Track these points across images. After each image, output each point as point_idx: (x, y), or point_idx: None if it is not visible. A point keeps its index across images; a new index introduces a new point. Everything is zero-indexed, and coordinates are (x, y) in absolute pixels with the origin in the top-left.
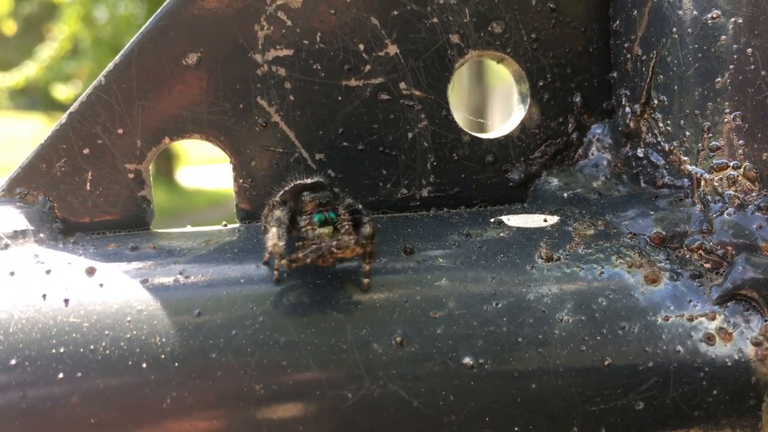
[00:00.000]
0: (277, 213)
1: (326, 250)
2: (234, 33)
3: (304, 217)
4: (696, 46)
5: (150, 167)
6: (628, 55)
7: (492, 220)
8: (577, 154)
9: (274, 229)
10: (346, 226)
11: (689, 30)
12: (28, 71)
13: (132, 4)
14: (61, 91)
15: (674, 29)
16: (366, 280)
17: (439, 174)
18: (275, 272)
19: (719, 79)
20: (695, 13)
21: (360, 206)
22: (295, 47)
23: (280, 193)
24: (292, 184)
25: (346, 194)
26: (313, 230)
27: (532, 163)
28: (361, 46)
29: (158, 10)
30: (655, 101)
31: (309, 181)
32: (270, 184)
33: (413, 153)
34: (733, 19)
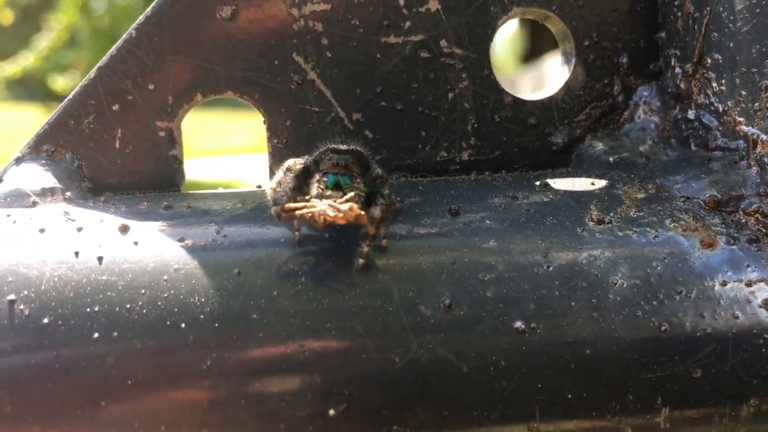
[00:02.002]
0: (290, 162)
1: (318, 212)
2: None
3: (318, 174)
4: (753, 1)
5: (181, 125)
6: (679, 13)
7: (537, 183)
8: (623, 117)
9: (280, 174)
10: (353, 196)
11: None
12: (25, 62)
13: None
14: (59, 82)
15: None
16: (361, 261)
17: (480, 136)
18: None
19: None
20: None
21: (386, 190)
22: (333, 1)
23: (313, 155)
24: (325, 148)
25: (381, 169)
26: (319, 189)
27: (576, 127)
28: (401, 1)
29: None
30: (709, 60)
31: (344, 147)
32: (305, 145)
33: (453, 114)
34: None
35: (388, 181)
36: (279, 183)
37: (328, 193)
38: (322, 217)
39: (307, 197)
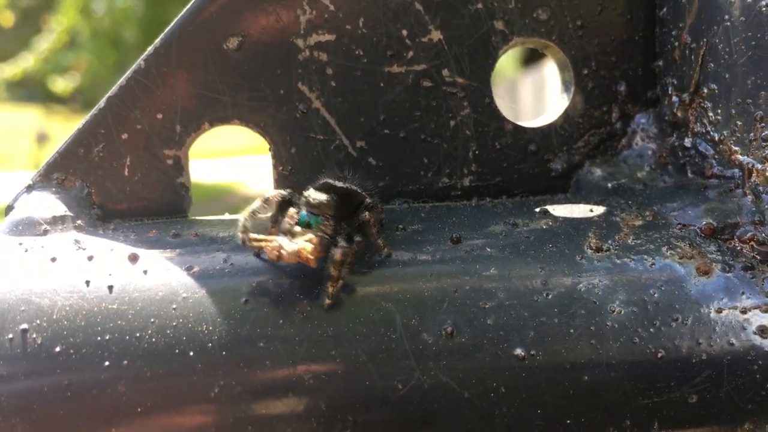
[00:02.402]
0: (271, 193)
1: (272, 248)
2: (276, 17)
3: (293, 210)
4: (749, 33)
5: (188, 153)
6: (676, 43)
7: (537, 209)
8: (621, 143)
9: (256, 203)
10: (311, 239)
11: (742, 18)
12: (25, 63)
13: None
14: (59, 84)
15: (726, 16)
16: (327, 301)
17: (481, 163)
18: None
19: None
20: (748, 0)
21: (369, 230)
22: (338, 32)
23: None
24: (323, 181)
25: (375, 207)
26: (290, 224)
27: (575, 153)
28: (404, 32)
29: None
30: (705, 90)
31: (339, 184)
32: (310, 172)
33: (455, 141)
34: None
35: (379, 223)
36: (252, 212)
37: (296, 229)
38: (275, 252)
39: (273, 229)
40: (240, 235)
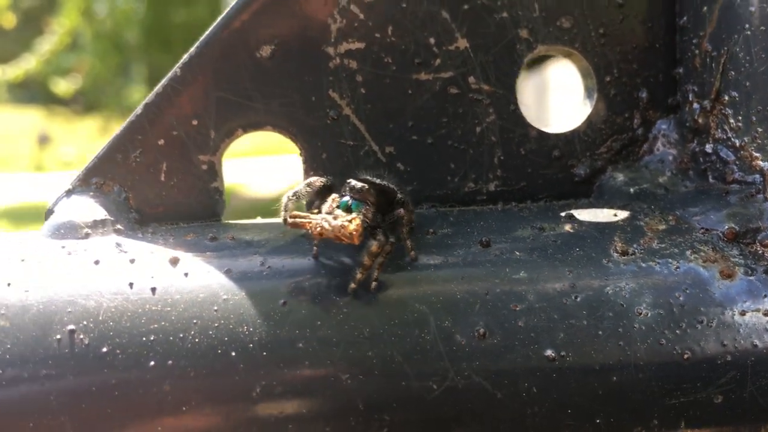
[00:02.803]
0: (313, 178)
1: (315, 224)
2: (307, 26)
3: (335, 195)
4: None
5: (222, 158)
6: (697, 51)
7: (562, 214)
8: (643, 149)
9: (299, 186)
10: (358, 220)
11: (762, 27)
12: (27, 65)
13: None
14: (60, 85)
15: (746, 25)
16: (352, 285)
17: (506, 168)
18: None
19: None
20: None
21: (405, 228)
22: (367, 40)
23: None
24: (361, 177)
25: (407, 204)
26: (331, 207)
27: (597, 158)
28: (432, 40)
29: (234, 2)
30: (726, 97)
31: (378, 180)
32: (339, 177)
33: (481, 147)
34: None
35: (411, 223)
36: (295, 194)
37: (337, 212)
38: (318, 228)
39: (316, 211)
40: (283, 213)
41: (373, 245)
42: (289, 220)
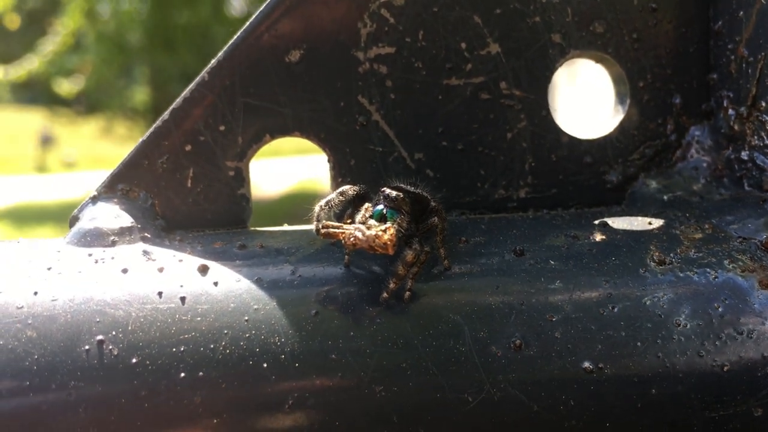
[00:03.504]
0: (346, 187)
1: (348, 234)
2: (337, 30)
3: (369, 204)
4: None
5: (250, 164)
6: (732, 57)
7: (596, 222)
8: (676, 156)
9: (332, 195)
10: (392, 230)
11: None
12: (30, 65)
13: None
14: (64, 86)
15: None
16: (385, 295)
17: (537, 175)
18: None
19: None
20: None
21: (439, 236)
22: (397, 45)
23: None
24: (394, 185)
25: (440, 212)
26: (364, 216)
27: (630, 165)
28: (463, 45)
29: (262, 6)
30: (763, 104)
31: (411, 188)
32: (368, 183)
33: (512, 153)
34: None
35: (444, 231)
36: (327, 203)
37: (371, 222)
38: (351, 238)
39: (349, 221)
40: (315, 223)
41: (409, 255)
42: (322, 231)
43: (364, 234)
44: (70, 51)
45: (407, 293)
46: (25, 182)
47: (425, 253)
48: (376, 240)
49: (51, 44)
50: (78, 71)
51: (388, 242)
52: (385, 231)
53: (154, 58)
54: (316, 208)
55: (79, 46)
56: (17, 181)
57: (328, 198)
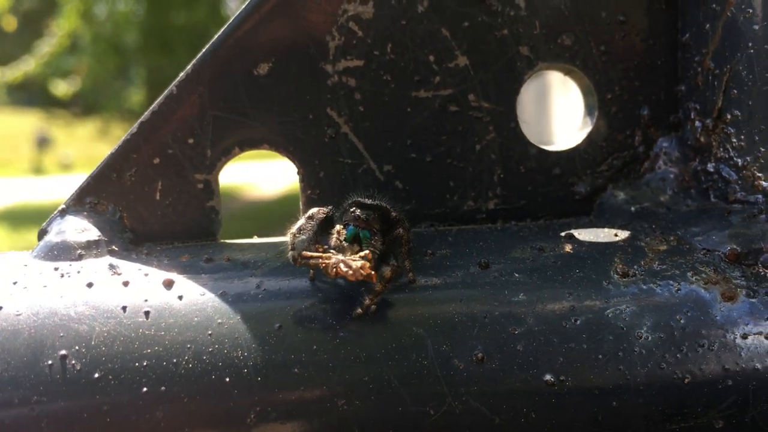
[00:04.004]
0: (314, 210)
1: (331, 264)
2: (306, 43)
3: (339, 226)
4: None
5: (219, 177)
6: (699, 69)
7: (562, 234)
8: (644, 167)
9: (301, 221)
10: (368, 253)
11: (766, 45)
12: (26, 67)
13: (131, 0)
14: (60, 87)
15: (750, 44)
16: (359, 311)
17: (505, 186)
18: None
19: None
20: None
21: (404, 248)
22: (366, 58)
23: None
24: (352, 200)
25: (403, 222)
26: (338, 240)
27: (598, 176)
28: (432, 57)
29: (230, 20)
30: (728, 116)
31: (369, 201)
32: (338, 195)
33: (480, 165)
34: None
35: (409, 242)
36: (299, 229)
37: (345, 245)
38: (334, 269)
39: (324, 247)
40: (291, 253)
41: (387, 271)
42: (300, 261)
43: (348, 266)
44: (67, 52)
45: (372, 306)
46: (21, 184)
47: (398, 268)
48: (362, 272)
49: (47, 46)
50: (74, 73)
51: (372, 273)
52: (367, 260)
53: (150, 60)
54: (289, 237)
55: (75, 48)
56: (14, 183)
57: (299, 225)
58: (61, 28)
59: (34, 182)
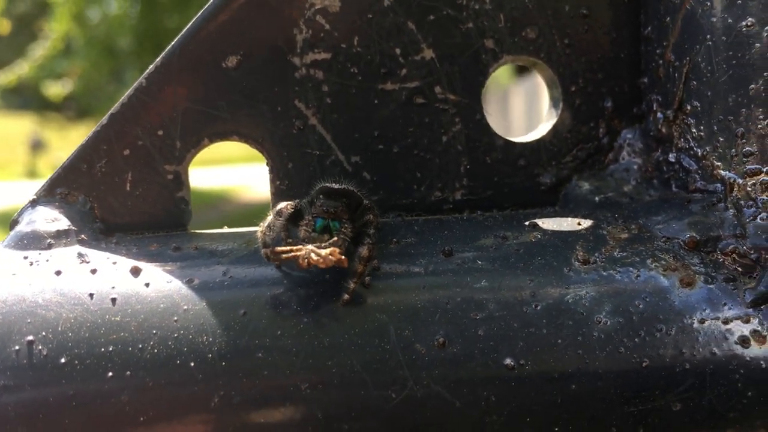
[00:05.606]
0: (281, 205)
1: (302, 255)
2: (273, 36)
3: (308, 217)
4: (730, 53)
5: (188, 168)
6: (660, 61)
7: (526, 223)
8: (608, 158)
9: (270, 218)
10: (337, 240)
11: (723, 37)
12: (20, 70)
13: (125, 3)
14: (53, 91)
15: (708, 36)
16: (345, 296)
17: (472, 177)
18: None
19: (753, 86)
20: (729, 20)
21: (371, 230)
22: (333, 51)
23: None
24: (319, 186)
25: (372, 208)
26: (307, 232)
27: (563, 167)
28: (398, 50)
29: (199, 13)
30: (688, 107)
31: (336, 186)
32: (306, 186)
33: (447, 156)
34: (767, 27)
35: (378, 225)
36: (269, 226)
37: (315, 236)
38: (306, 260)
39: (294, 240)
40: (264, 250)
41: (364, 250)
42: (273, 257)
43: (319, 255)
44: (60, 55)
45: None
46: (15, 187)
47: (374, 246)
48: (331, 257)
49: (41, 49)
50: (68, 75)
51: (342, 257)
52: (336, 246)
53: (144, 63)
54: (259, 234)
55: (69, 51)
56: (8, 187)
57: (268, 222)
58: (54, 31)
59: (28, 185)
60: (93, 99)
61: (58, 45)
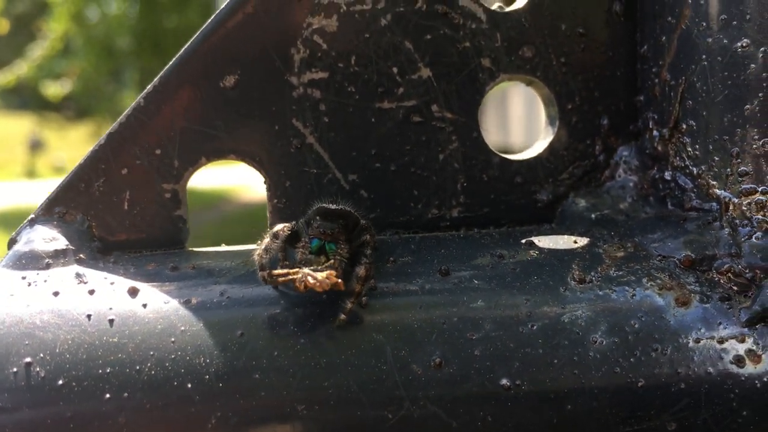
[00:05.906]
0: (278, 227)
1: (299, 279)
2: (271, 56)
3: (305, 239)
4: (725, 73)
5: (186, 187)
6: (656, 80)
7: (523, 241)
8: (604, 175)
9: (267, 240)
10: (333, 263)
11: (719, 58)
12: (19, 70)
13: (124, 3)
14: (52, 91)
15: (704, 56)
16: (342, 317)
17: (469, 195)
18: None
19: (748, 106)
20: (725, 41)
21: (368, 250)
22: (331, 70)
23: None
24: (316, 207)
25: (369, 228)
26: (304, 254)
27: (559, 185)
28: (395, 69)
29: (197, 33)
30: (684, 126)
31: (333, 206)
32: (304, 204)
33: (444, 174)
34: (762, 48)
35: (374, 246)
36: (266, 249)
37: (311, 257)
38: (302, 284)
39: (291, 263)
40: (261, 273)
41: (361, 270)
42: (269, 280)
43: (315, 278)
44: (59, 55)
45: (342, 317)
46: (14, 187)
47: (371, 265)
48: (327, 281)
49: (40, 49)
50: (67, 76)
51: (339, 281)
52: (333, 269)
53: (143, 63)
54: (256, 258)
55: (67, 51)
56: (7, 187)
57: (265, 245)
58: (52, 31)
59: (27, 186)
60: (92, 99)
61: (57, 45)
